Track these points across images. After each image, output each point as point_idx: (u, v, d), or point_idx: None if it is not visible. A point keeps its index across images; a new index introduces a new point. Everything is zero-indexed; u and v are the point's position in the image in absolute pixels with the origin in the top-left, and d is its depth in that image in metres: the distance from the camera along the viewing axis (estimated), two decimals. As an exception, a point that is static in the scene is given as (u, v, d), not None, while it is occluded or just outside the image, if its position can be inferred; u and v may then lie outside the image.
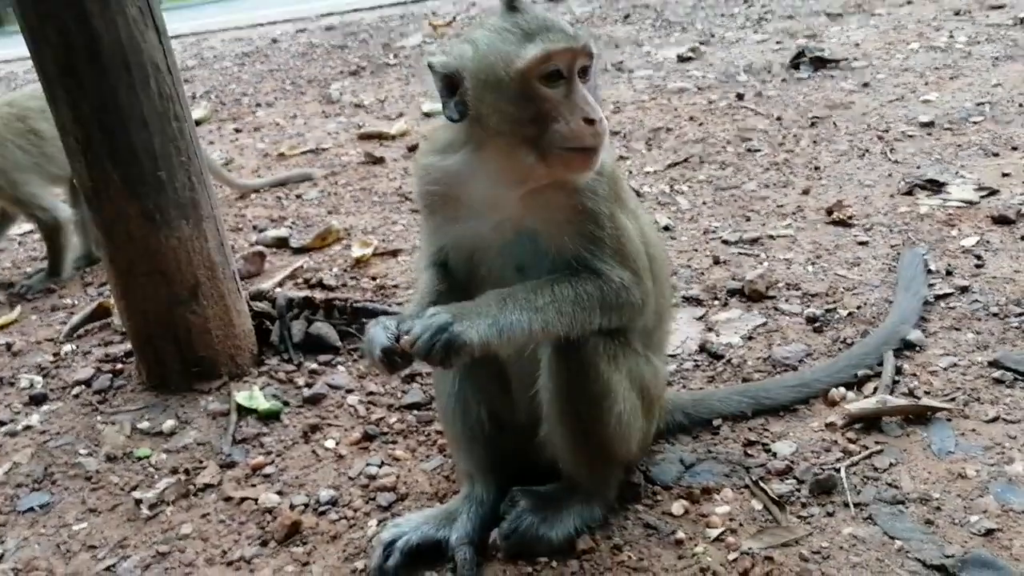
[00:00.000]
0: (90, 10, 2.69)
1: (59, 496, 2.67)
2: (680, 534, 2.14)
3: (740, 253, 3.54)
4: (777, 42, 6.75)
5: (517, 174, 1.93)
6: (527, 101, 1.86)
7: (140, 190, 2.88)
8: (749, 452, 2.41)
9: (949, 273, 3.13)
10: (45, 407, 3.16)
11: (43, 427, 3.03)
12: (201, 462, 2.73)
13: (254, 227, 4.67)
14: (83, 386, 3.25)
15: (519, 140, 1.88)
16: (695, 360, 2.90)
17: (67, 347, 3.58)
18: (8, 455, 2.88)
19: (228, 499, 2.55)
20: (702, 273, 3.43)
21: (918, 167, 4.07)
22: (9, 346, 3.66)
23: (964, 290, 3.00)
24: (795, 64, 5.92)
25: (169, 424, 2.93)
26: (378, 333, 1.93)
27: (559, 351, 2.01)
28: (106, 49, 2.73)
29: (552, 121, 1.85)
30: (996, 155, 4.09)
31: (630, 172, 4.60)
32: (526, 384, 2.15)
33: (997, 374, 2.55)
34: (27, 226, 5.26)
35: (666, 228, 3.87)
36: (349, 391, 3.01)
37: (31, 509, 2.61)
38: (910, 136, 4.48)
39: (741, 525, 2.15)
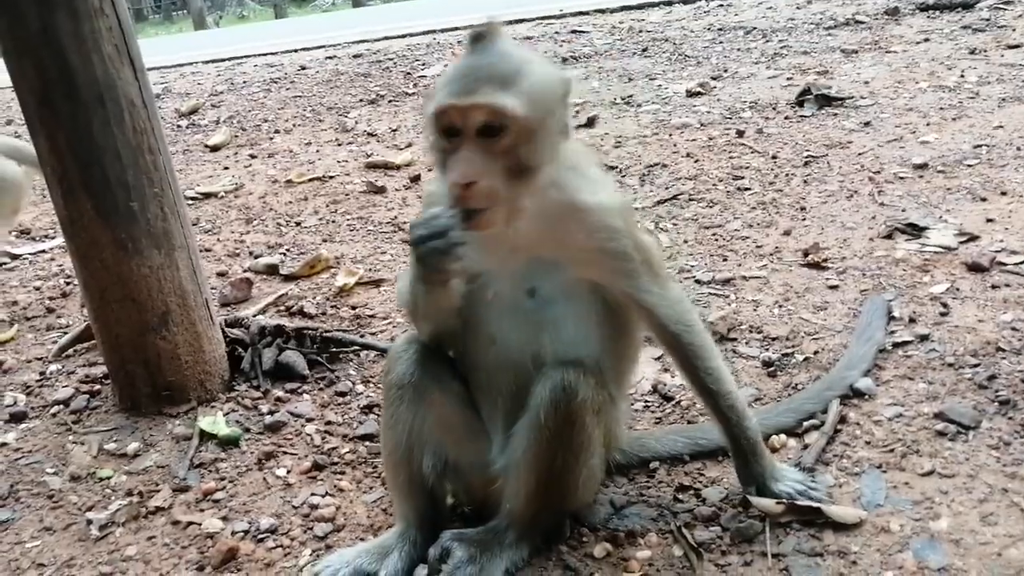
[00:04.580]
0: (67, 46, 2.82)
1: (20, 514, 2.76)
2: (597, 577, 2.16)
3: (711, 293, 3.56)
4: (788, 78, 6.74)
5: None
6: (435, 148, 1.92)
7: (113, 220, 2.99)
8: (680, 497, 2.42)
9: (912, 320, 3.10)
10: (23, 425, 3.28)
11: (17, 444, 3.14)
12: (157, 485, 2.81)
13: (251, 253, 4.79)
14: (62, 406, 3.36)
15: None
16: (646, 401, 2.92)
17: (54, 367, 3.71)
18: (-21, 472, 3.00)
19: (176, 523, 2.63)
20: (670, 313, 3.44)
21: (903, 210, 4.05)
22: (1, 363, 3.79)
23: (924, 338, 2.98)
24: (800, 101, 5.91)
25: (134, 446, 3.03)
26: None
27: (554, 400, 2.03)
28: (82, 84, 2.86)
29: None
30: (984, 200, 4.05)
31: (619, 208, 4.63)
32: (506, 424, 2.19)
33: (940, 426, 2.53)
34: (40, 245, 5.46)
35: (644, 266, 3.89)
36: (309, 420, 3.08)
37: (-9, 525, 2.72)
38: (901, 178, 4.45)
39: (659, 571, 2.16)
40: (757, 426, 2.33)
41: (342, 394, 3.22)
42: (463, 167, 1.83)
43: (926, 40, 7.30)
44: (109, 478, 2.89)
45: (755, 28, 8.96)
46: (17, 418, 3.32)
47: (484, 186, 1.83)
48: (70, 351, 3.84)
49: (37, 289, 4.68)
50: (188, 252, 3.18)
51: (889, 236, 3.81)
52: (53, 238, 5.55)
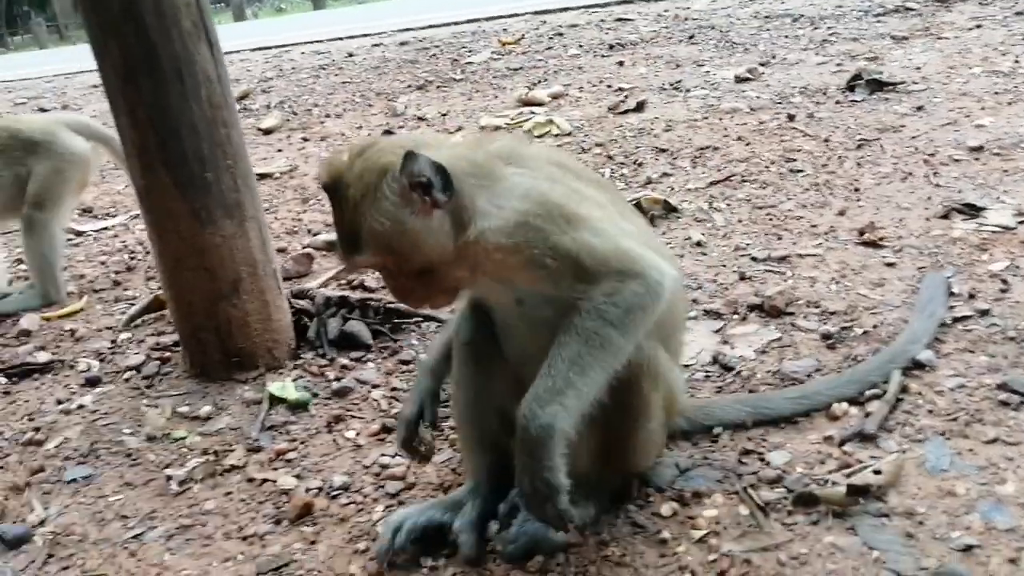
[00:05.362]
0: (149, 24, 2.93)
1: (101, 470, 2.89)
2: (665, 534, 2.21)
3: (767, 270, 3.59)
4: (837, 64, 6.72)
5: None
6: None
7: (188, 191, 3.10)
8: (744, 460, 2.47)
9: (972, 296, 3.12)
10: (98, 389, 3.42)
11: (94, 407, 3.28)
12: (231, 445, 2.92)
13: (309, 230, 4.90)
14: (134, 371, 3.50)
15: None
16: (706, 371, 2.97)
17: (124, 335, 3.85)
18: (61, 431, 3.13)
19: (251, 480, 2.73)
20: (727, 288, 3.49)
21: (959, 191, 4.04)
22: (73, 332, 3.94)
23: (984, 313, 2.99)
24: (850, 86, 5.90)
25: (206, 409, 3.14)
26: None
27: None
28: (162, 60, 2.96)
29: None
30: (1042, 181, 4.03)
31: (672, 189, 4.67)
32: None
33: (1003, 396, 2.55)
34: (102, 223, 5.62)
35: (698, 244, 3.94)
36: (375, 386, 3.17)
37: (74, 480, 2.84)
38: (956, 160, 4.44)
39: (725, 528, 2.21)
40: (565, 420, 1.97)
41: (405, 362, 3.31)
42: (391, 292, 2.17)
43: (978, 27, 7.22)
44: (184, 438, 3.01)
45: (802, 15, 8.92)
46: (92, 382, 3.45)
47: (411, 297, 2.14)
48: (138, 321, 3.97)
49: (103, 263, 4.83)
50: (258, 224, 3.28)
51: (946, 216, 3.81)
52: (114, 216, 5.71)
